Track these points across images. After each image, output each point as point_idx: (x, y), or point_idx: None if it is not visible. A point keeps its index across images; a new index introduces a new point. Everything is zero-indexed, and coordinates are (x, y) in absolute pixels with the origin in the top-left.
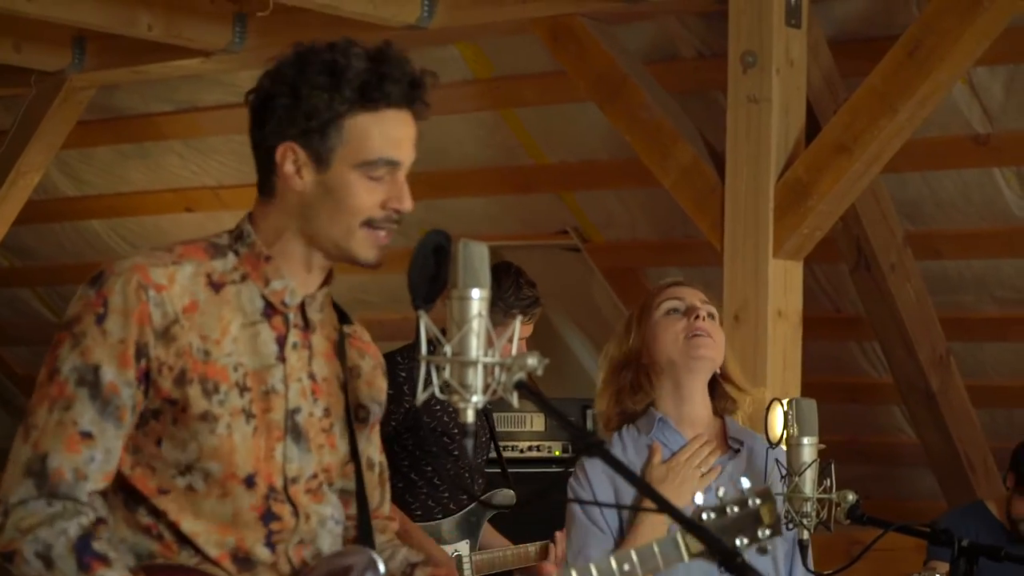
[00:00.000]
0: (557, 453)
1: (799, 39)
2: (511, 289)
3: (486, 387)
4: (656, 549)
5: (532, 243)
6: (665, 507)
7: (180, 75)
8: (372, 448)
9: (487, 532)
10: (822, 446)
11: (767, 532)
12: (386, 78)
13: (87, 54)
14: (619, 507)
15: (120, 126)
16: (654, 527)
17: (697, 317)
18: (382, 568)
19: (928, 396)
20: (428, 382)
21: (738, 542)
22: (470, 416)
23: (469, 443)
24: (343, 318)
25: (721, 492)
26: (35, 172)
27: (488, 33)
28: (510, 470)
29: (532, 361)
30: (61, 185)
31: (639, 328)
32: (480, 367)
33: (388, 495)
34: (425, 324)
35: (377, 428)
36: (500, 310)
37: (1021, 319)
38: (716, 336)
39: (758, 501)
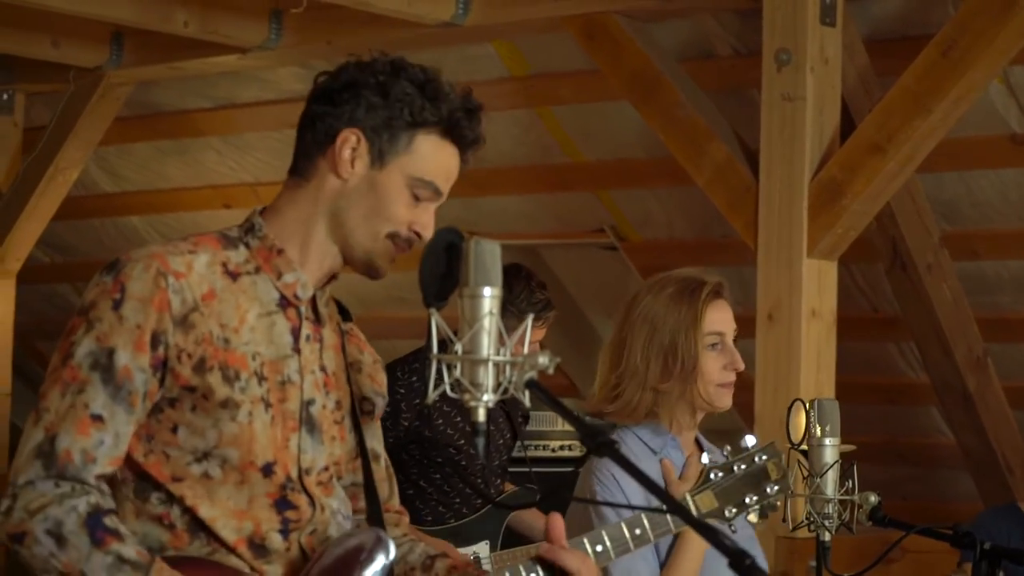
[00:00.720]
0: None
1: (834, 37)
2: (523, 292)
3: (497, 386)
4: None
5: (569, 242)
6: (676, 509)
7: (217, 72)
8: (376, 441)
9: (530, 515)
10: (852, 447)
11: (775, 488)
12: (469, 122)
13: (125, 50)
14: (630, 507)
15: (158, 122)
16: (694, 549)
17: (735, 369)
18: (392, 546)
19: (965, 397)
20: (439, 381)
21: (747, 499)
22: (481, 415)
23: (480, 442)
24: (344, 315)
25: (727, 450)
26: (73, 168)
27: (522, 31)
28: (541, 469)
29: (544, 360)
30: (100, 181)
31: (686, 344)
32: (491, 365)
33: (396, 489)
34: (436, 322)
35: (379, 423)
36: (512, 314)
37: None
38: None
39: (764, 457)
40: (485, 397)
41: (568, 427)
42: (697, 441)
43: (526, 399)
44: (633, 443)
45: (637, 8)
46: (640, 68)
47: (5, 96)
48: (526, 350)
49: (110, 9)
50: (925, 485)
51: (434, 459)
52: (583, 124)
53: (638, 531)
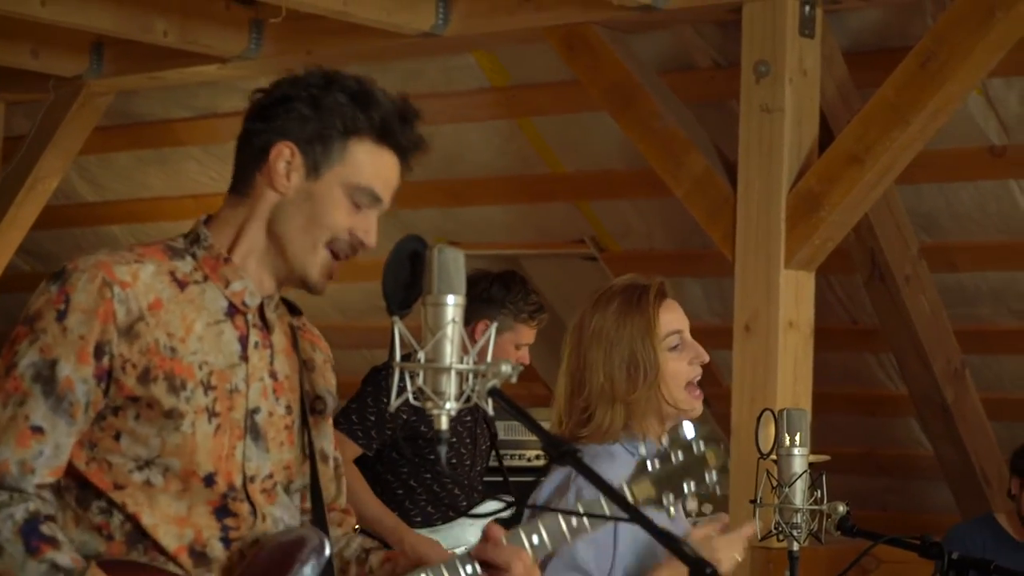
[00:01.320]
0: None
1: (813, 49)
2: (519, 294)
3: (460, 394)
4: (603, 501)
5: (549, 252)
6: (639, 519)
7: (197, 81)
8: (326, 441)
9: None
10: (827, 457)
11: (714, 474)
12: (403, 127)
13: (104, 60)
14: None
15: (139, 132)
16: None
17: (701, 362)
18: (327, 546)
19: (943, 409)
20: (402, 389)
21: (685, 487)
22: (444, 423)
23: (443, 450)
24: (292, 310)
25: (665, 441)
26: (53, 177)
27: (502, 41)
28: (517, 479)
29: (506, 368)
30: (81, 190)
31: (646, 351)
32: (453, 373)
33: (344, 489)
34: (399, 331)
35: (331, 422)
36: (510, 314)
37: None
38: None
39: (703, 445)
40: (448, 405)
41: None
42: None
43: (489, 408)
44: (620, 452)
45: (617, 19)
46: (619, 79)
47: None
48: (490, 358)
49: (90, 18)
50: (903, 496)
51: (426, 456)
52: (563, 135)
53: (575, 522)
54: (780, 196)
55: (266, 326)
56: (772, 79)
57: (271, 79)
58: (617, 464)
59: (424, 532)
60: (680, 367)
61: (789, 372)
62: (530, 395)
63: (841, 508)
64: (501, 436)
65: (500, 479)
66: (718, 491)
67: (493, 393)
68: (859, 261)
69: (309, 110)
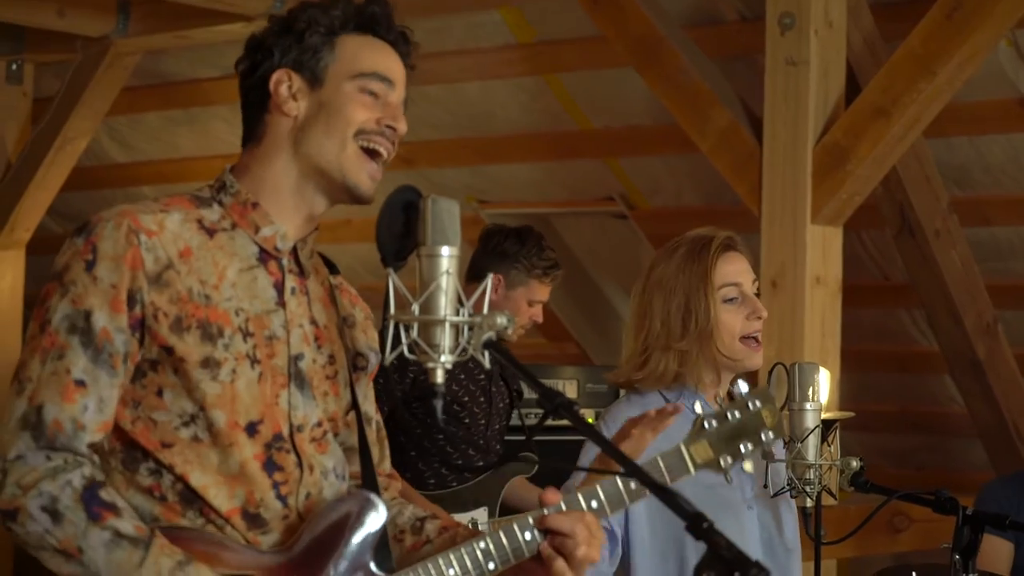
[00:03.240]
0: (589, 420)
1: (839, 0)
2: (534, 249)
3: (455, 347)
4: (661, 463)
5: (579, 210)
6: (635, 472)
7: (224, 40)
8: (368, 403)
9: (523, 487)
10: (851, 414)
11: (769, 433)
12: (377, 15)
13: (131, 19)
14: (584, 470)
15: (168, 92)
16: None
17: (758, 317)
18: (383, 510)
19: (974, 365)
20: (396, 342)
21: (742, 447)
22: (439, 376)
23: (438, 404)
24: (332, 268)
25: (721, 399)
26: (82, 138)
27: None
28: (541, 438)
29: (501, 320)
30: (111, 151)
31: (700, 300)
32: (447, 326)
33: (387, 452)
34: (394, 283)
35: (372, 382)
36: (523, 269)
37: None
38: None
39: (759, 403)
40: (442, 358)
41: (568, 395)
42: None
43: (486, 360)
44: (650, 396)
45: None
46: (644, 34)
47: (14, 66)
48: (486, 310)
49: None
50: (938, 454)
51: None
52: (591, 91)
53: (633, 485)
54: (806, 150)
55: (302, 272)
56: (797, 31)
57: None
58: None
59: (439, 494)
60: (735, 320)
61: (817, 328)
62: (562, 354)
63: (855, 463)
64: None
65: (522, 438)
66: (774, 451)
67: (488, 346)
68: (889, 216)
69: (284, 35)
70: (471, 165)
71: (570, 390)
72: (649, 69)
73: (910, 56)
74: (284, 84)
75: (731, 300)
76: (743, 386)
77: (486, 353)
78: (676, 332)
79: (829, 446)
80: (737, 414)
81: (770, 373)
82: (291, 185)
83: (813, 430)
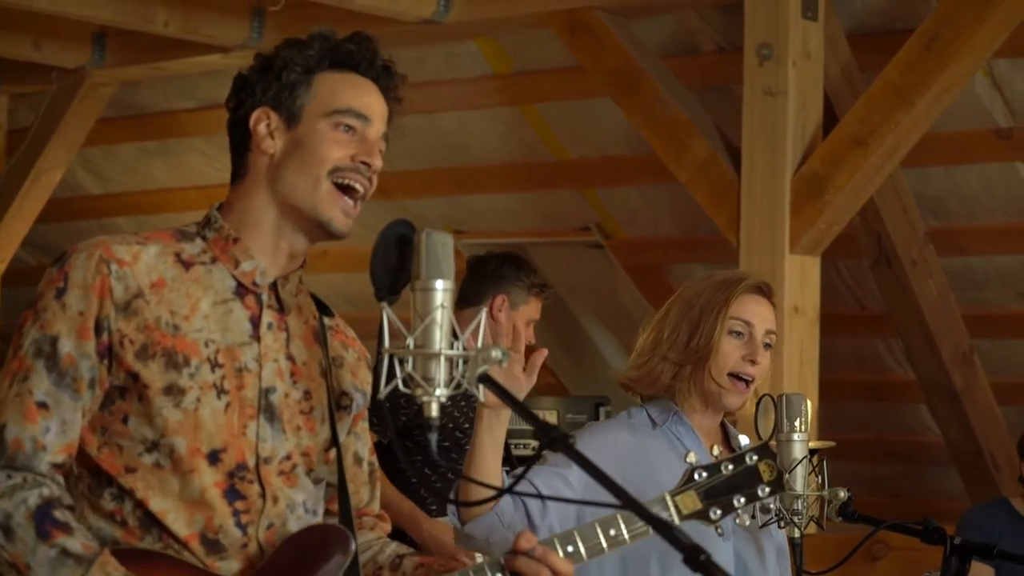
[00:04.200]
0: None
1: (816, 31)
2: (527, 269)
3: (450, 380)
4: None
5: (555, 240)
6: (631, 504)
7: (200, 71)
8: (361, 445)
9: None
10: (832, 444)
11: (767, 490)
12: (358, 46)
13: (107, 51)
14: (577, 502)
15: (143, 123)
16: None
17: (752, 362)
18: (352, 543)
19: (951, 394)
20: (391, 375)
21: (735, 501)
22: (434, 410)
23: (433, 438)
24: (324, 310)
25: (716, 451)
26: (57, 169)
27: (504, 27)
28: (523, 468)
29: (496, 353)
30: (86, 183)
31: (709, 322)
32: (443, 359)
33: (378, 494)
34: (388, 316)
35: (365, 425)
36: (524, 288)
37: None
38: (758, 375)
39: (755, 458)
40: (437, 392)
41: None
42: (723, 427)
43: (480, 394)
44: (638, 416)
45: (619, 4)
46: (622, 64)
47: None
48: (480, 343)
49: (91, 9)
50: (913, 482)
51: (440, 443)
52: (567, 121)
53: (612, 532)
54: (784, 180)
55: (281, 308)
56: (775, 62)
57: None
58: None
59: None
60: (732, 353)
61: (795, 358)
62: (539, 383)
63: (842, 494)
64: (508, 425)
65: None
66: (771, 506)
67: (483, 379)
68: (865, 245)
69: (264, 74)
70: (448, 195)
71: (550, 419)
72: (627, 100)
73: (888, 86)
74: (263, 123)
75: (737, 334)
76: (743, 439)
77: (480, 387)
78: (679, 344)
79: (817, 477)
80: (731, 467)
81: (757, 404)
82: (270, 222)
83: (801, 461)
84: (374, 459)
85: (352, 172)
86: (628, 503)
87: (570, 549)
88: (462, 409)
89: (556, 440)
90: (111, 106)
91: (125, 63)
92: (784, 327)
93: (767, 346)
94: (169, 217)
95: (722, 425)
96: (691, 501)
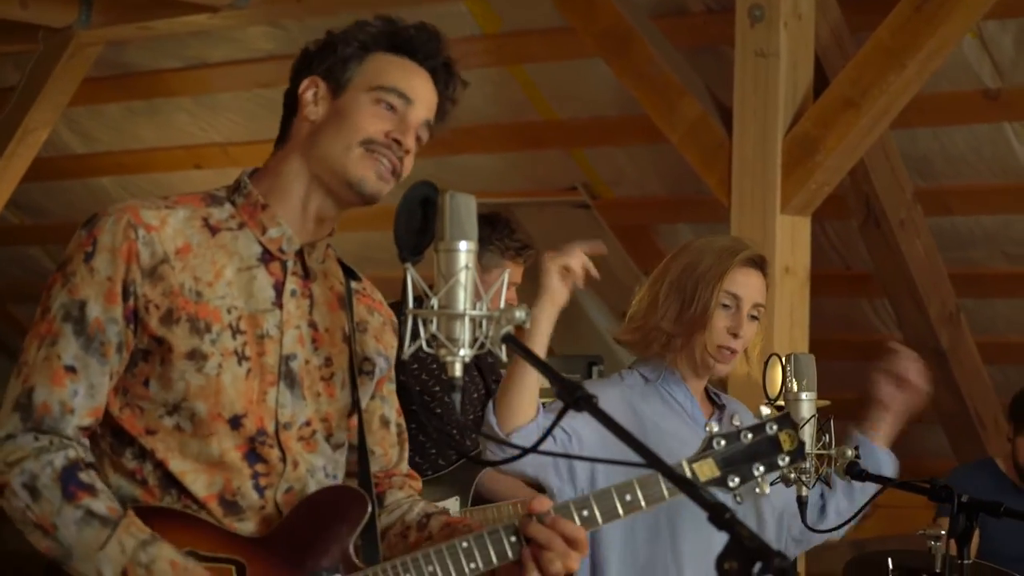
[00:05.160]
0: None
1: None
2: (504, 231)
3: (473, 340)
4: (661, 479)
5: (542, 200)
6: (655, 463)
7: (187, 31)
8: (388, 407)
9: (496, 478)
10: (827, 403)
11: (786, 459)
12: (418, 36)
13: (94, 10)
14: (604, 461)
15: (129, 83)
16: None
17: (736, 336)
18: (368, 504)
19: (938, 353)
20: (415, 336)
21: (754, 470)
22: (458, 370)
23: (457, 397)
24: (351, 274)
25: (737, 420)
26: (43, 129)
27: None
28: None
29: (520, 314)
30: (70, 142)
31: (704, 295)
32: (467, 320)
33: (406, 455)
34: (412, 277)
35: (392, 387)
36: (497, 251)
37: None
38: (741, 347)
39: (775, 427)
40: (462, 352)
41: (542, 385)
42: (707, 392)
43: (503, 353)
44: (630, 378)
45: None
46: (612, 25)
47: None
48: (502, 304)
49: None
50: (898, 441)
51: (408, 407)
52: (556, 82)
53: (628, 497)
54: (776, 141)
55: (307, 274)
56: (766, 23)
57: (261, 29)
58: (623, 388)
59: None
60: (720, 326)
61: (786, 318)
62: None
63: (849, 452)
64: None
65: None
66: (791, 476)
67: (507, 339)
68: (854, 206)
69: (324, 50)
70: (435, 156)
71: (544, 380)
72: (617, 60)
73: (879, 48)
74: (311, 90)
75: (724, 306)
76: (764, 409)
77: (503, 346)
78: (671, 314)
79: (824, 435)
80: (751, 435)
81: (766, 363)
82: (301, 187)
83: (809, 420)
84: (401, 420)
85: (383, 147)
86: (652, 462)
87: (585, 514)
88: (433, 373)
89: (581, 400)
90: (97, 65)
91: (112, 23)
92: (775, 287)
93: (753, 318)
94: (154, 177)
95: (706, 390)
96: (709, 468)
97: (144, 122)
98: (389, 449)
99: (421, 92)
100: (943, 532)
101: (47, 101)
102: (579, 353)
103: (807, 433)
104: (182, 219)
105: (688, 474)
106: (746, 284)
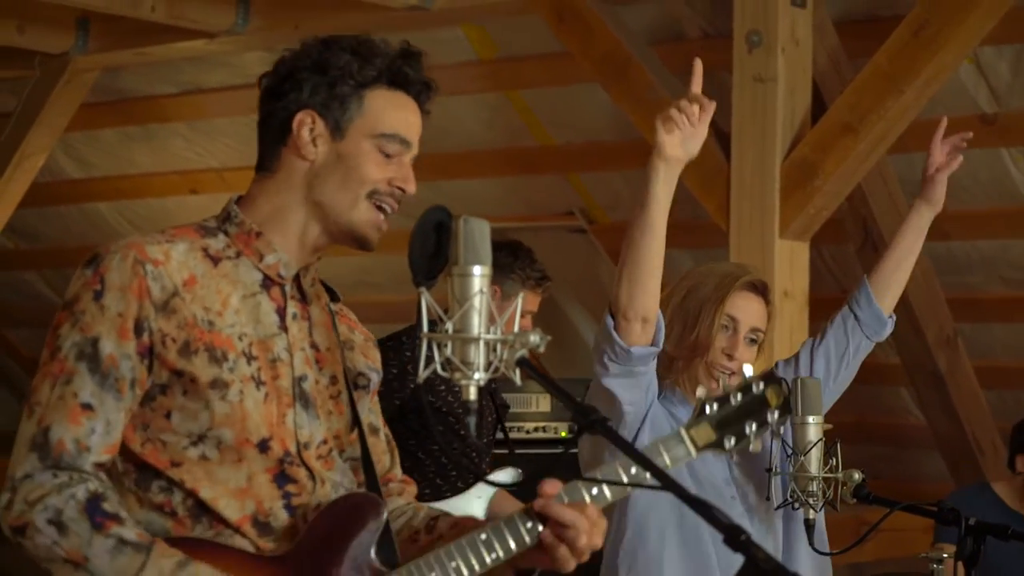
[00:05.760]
0: (563, 434)
1: (805, 18)
2: (526, 261)
3: (488, 364)
4: (661, 447)
5: (538, 224)
6: (670, 486)
7: (184, 57)
8: (375, 416)
9: (504, 499)
10: (828, 426)
11: (775, 414)
12: (411, 66)
13: (91, 36)
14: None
15: (125, 108)
16: None
17: (731, 357)
18: (383, 507)
19: (936, 377)
20: (429, 360)
21: (747, 429)
22: (472, 393)
23: (472, 420)
24: (332, 296)
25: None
26: (39, 154)
27: (491, 14)
28: (519, 451)
29: (535, 338)
30: (67, 167)
31: (706, 319)
32: (482, 344)
33: (398, 460)
34: (426, 301)
35: (377, 398)
36: (519, 280)
37: None
38: (737, 368)
39: (763, 385)
40: (476, 375)
41: (542, 409)
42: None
43: (517, 377)
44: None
45: None
46: (610, 50)
47: None
48: (516, 328)
49: None
50: (895, 465)
51: (429, 428)
52: (552, 107)
53: (634, 470)
54: (774, 166)
55: (304, 298)
56: (764, 49)
57: (258, 54)
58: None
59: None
60: (717, 346)
61: (785, 342)
62: None
63: (857, 476)
64: (520, 408)
65: (505, 452)
66: (781, 431)
67: (521, 363)
68: (851, 230)
69: (317, 75)
70: (430, 180)
71: (544, 404)
72: (615, 86)
73: (877, 73)
74: (307, 127)
75: (723, 327)
76: (748, 369)
77: (517, 370)
78: (673, 337)
79: (831, 459)
80: (740, 396)
81: None
82: (298, 222)
83: (816, 443)
84: (387, 429)
85: (388, 196)
86: (669, 484)
87: (595, 492)
88: (457, 395)
89: (595, 423)
90: (93, 91)
91: (109, 48)
92: (775, 312)
93: (752, 341)
94: (150, 203)
95: None
96: (705, 433)
97: (140, 147)
98: (382, 456)
99: (415, 129)
100: (946, 555)
101: (44, 126)
102: (573, 377)
103: (814, 457)
104: (183, 251)
105: (687, 440)
106: (745, 308)
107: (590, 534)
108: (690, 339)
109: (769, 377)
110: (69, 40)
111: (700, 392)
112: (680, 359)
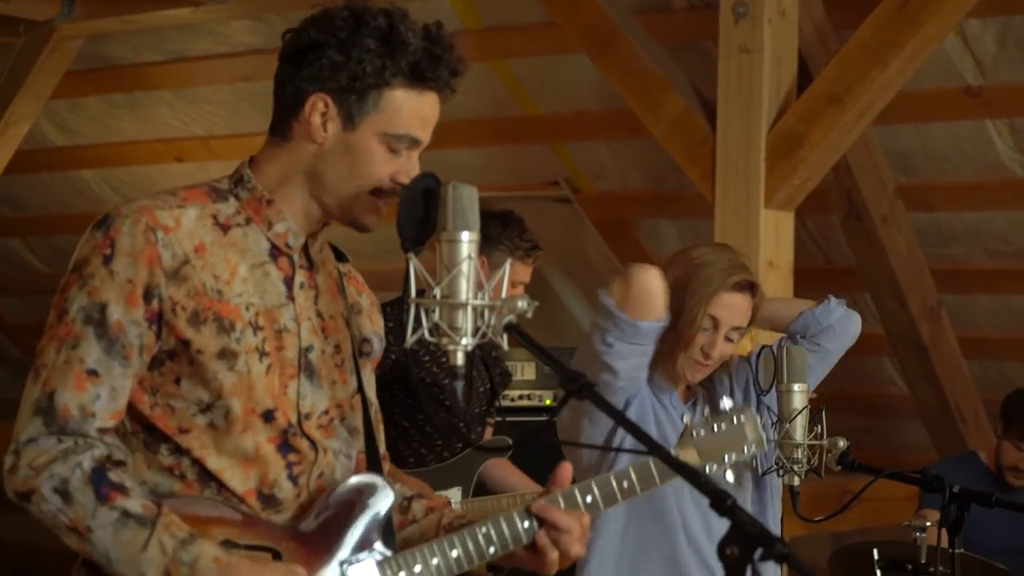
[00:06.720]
0: (548, 402)
1: None
2: (515, 231)
3: (476, 330)
4: (652, 466)
5: (523, 194)
6: (657, 451)
7: (170, 25)
8: (370, 388)
9: (498, 468)
10: (814, 395)
11: (751, 447)
12: (439, 62)
13: (76, 3)
14: (607, 449)
15: (110, 76)
16: None
17: (708, 356)
18: (390, 493)
19: (919, 348)
20: (417, 325)
21: (726, 457)
22: (460, 359)
23: (459, 385)
24: (339, 256)
25: (706, 412)
26: (24, 122)
27: None
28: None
29: (522, 304)
30: (51, 135)
31: (691, 315)
32: (469, 309)
33: (383, 435)
34: (415, 267)
35: (375, 368)
36: (506, 251)
37: (1012, 271)
38: (713, 365)
39: (742, 418)
40: (464, 341)
41: (527, 377)
42: (690, 387)
43: (504, 343)
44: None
45: None
46: (596, 21)
47: None
48: (504, 294)
49: None
50: (877, 435)
51: (418, 398)
52: (538, 77)
53: (625, 484)
54: (760, 136)
55: (311, 266)
56: (750, 20)
57: (244, 23)
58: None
59: (417, 472)
60: (697, 344)
61: None
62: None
63: (842, 443)
64: (515, 377)
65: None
66: (755, 464)
67: (509, 328)
68: (836, 201)
69: (340, 56)
70: None
71: (529, 371)
72: (601, 56)
73: (863, 45)
74: (319, 111)
75: (705, 329)
76: (727, 402)
77: (505, 336)
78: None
79: (816, 426)
80: (723, 426)
81: (758, 355)
82: (302, 199)
83: (801, 411)
84: (377, 402)
85: (389, 195)
86: (654, 449)
87: (589, 500)
88: (443, 365)
89: (583, 388)
90: (78, 59)
91: (94, 16)
92: (760, 301)
93: (728, 340)
94: (134, 170)
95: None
96: (692, 456)
97: (125, 115)
98: (379, 426)
99: (430, 124)
100: (929, 523)
101: (28, 94)
102: (558, 346)
103: (799, 424)
104: (194, 218)
105: None
106: (729, 307)
107: (580, 542)
108: (672, 332)
109: (748, 412)
110: (54, 7)
111: (687, 419)
112: (664, 348)
